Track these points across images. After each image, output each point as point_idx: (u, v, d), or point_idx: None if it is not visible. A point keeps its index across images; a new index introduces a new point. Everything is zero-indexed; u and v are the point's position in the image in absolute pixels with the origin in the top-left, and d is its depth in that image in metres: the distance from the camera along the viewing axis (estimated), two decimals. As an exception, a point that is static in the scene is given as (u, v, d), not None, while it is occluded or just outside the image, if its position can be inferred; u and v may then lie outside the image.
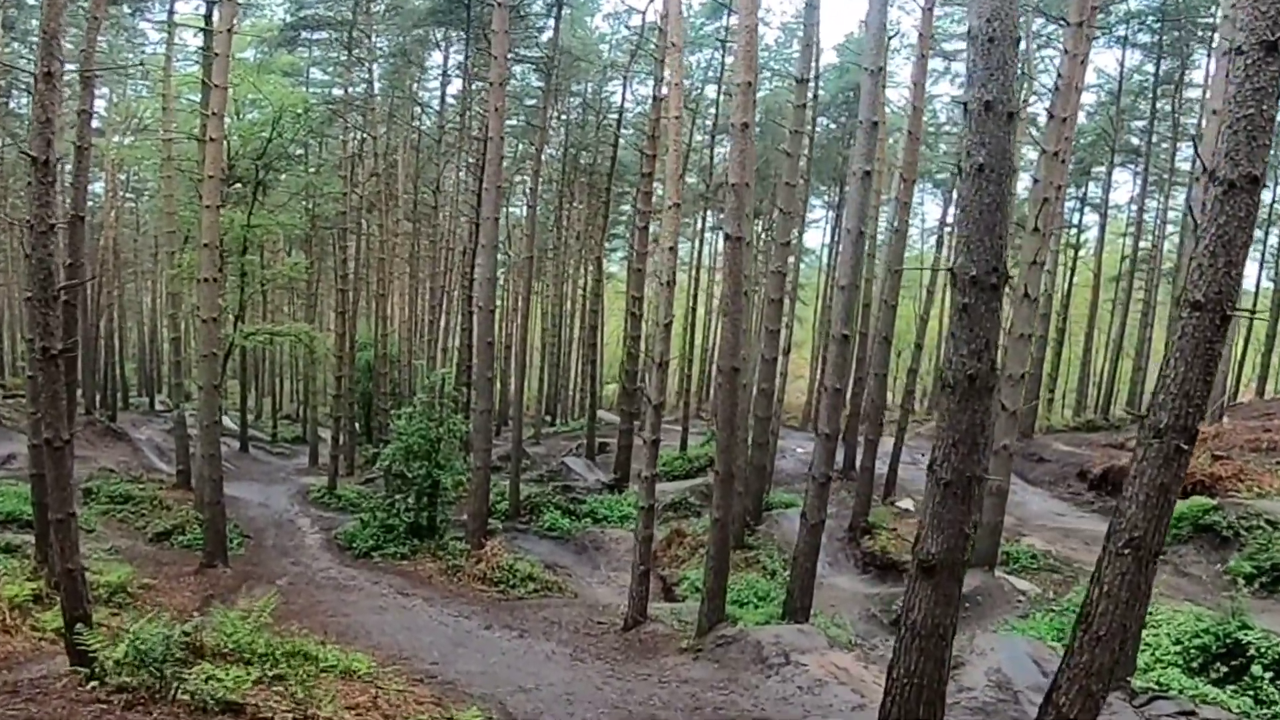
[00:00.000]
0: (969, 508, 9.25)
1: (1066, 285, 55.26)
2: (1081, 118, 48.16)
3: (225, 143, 32.53)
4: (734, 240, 16.52)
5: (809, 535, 18.55)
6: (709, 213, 67.25)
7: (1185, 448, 8.30)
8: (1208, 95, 35.99)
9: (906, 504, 31.09)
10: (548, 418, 62.28)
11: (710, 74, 56.77)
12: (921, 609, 9.31)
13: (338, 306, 45.91)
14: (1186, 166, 53.53)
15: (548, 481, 37.11)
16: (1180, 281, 57.02)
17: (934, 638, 9.28)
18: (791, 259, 39.15)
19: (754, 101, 16.49)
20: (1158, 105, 50.72)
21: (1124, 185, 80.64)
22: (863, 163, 17.52)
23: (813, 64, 29.52)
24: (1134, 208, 56.51)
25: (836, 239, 62.24)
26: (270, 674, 10.47)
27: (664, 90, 36.08)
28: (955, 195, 46.81)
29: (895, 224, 28.94)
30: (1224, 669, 14.87)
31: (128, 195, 68.04)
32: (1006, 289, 8.93)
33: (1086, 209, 61.45)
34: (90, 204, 51.29)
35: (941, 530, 9.21)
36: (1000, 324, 9.05)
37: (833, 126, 59.81)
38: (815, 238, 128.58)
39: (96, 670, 9.96)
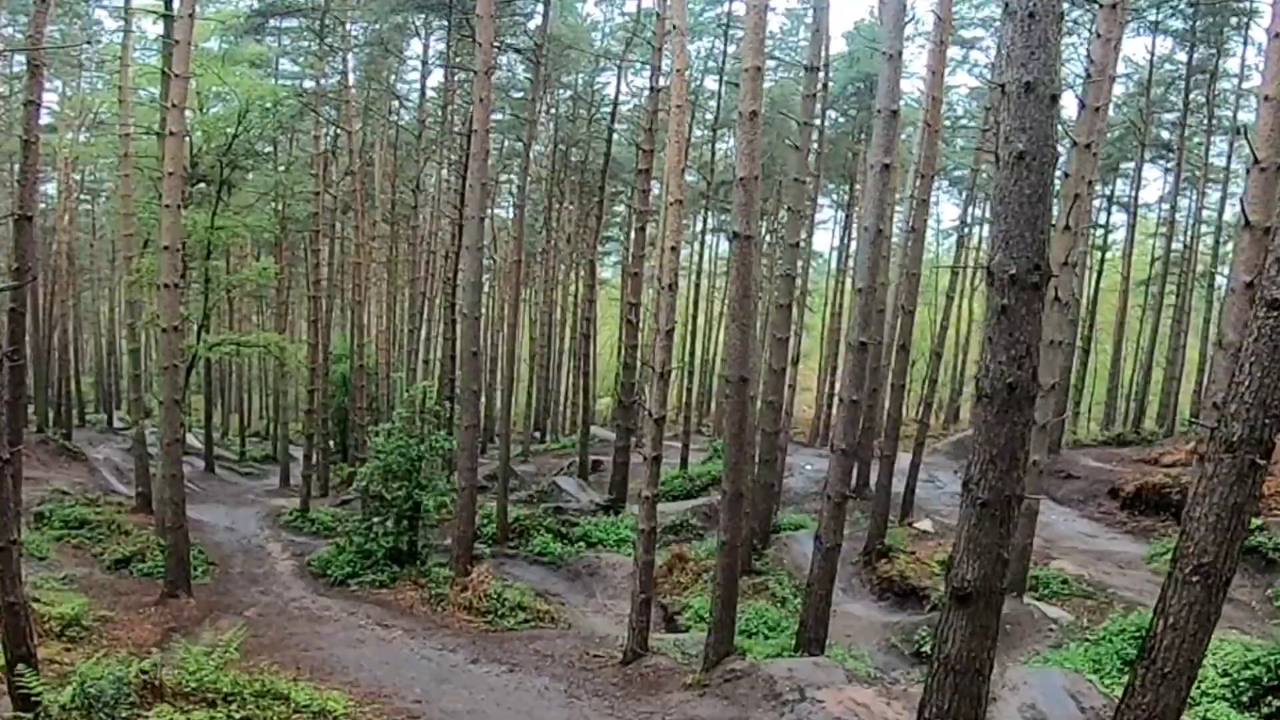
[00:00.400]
0: (1008, 530, 9.04)
1: (1093, 289, 55.18)
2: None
3: (187, 138, 32.44)
4: (743, 239, 16.30)
5: (824, 560, 18.33)
6: (710, 213, 67.16)
7: (1261, 463, 8.04)
8: (1256, 82, 35.85)
9: (925, 525, 30.96)
10: (537, 434, 62.07)
11: (710, 64, 56.71)
12: (956, 642, 9.10)
13: (310, 315, 45.71)
14: (1222, 162, 53.51)
15: (538, 503, 36.86)
16: (1206, 283, 57.07)
17: (969, 673, 9.07)
18: (801, 262, 38.96)
19: (762, 88, 16.28)
20: (1190, 96, 50.58)
21: (1154, 182, 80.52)
22: (882, 155, 17.30)
23: (823, 51, 29.32)
24: (1165, 206, 56.43)
25: (846, 240, 62.24)
26: (237, 716, 10.23)
27: (662, 81, 35.93)
28: (972, 193, 46.86)
29: (912, 223, 28.77)
30: (1276, 703, 14.67)
31: (83, 197, 68.03)
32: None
33: (1114, 207, 61.33)
34: (42, 206, 51.16)
35: (978, 555, 9.00)
36: (1041, 327, 8.83)
37: (841, 120, 59.71)
38: (823, 240, 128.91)
39: (40, 716, 9.67)
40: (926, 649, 20.75)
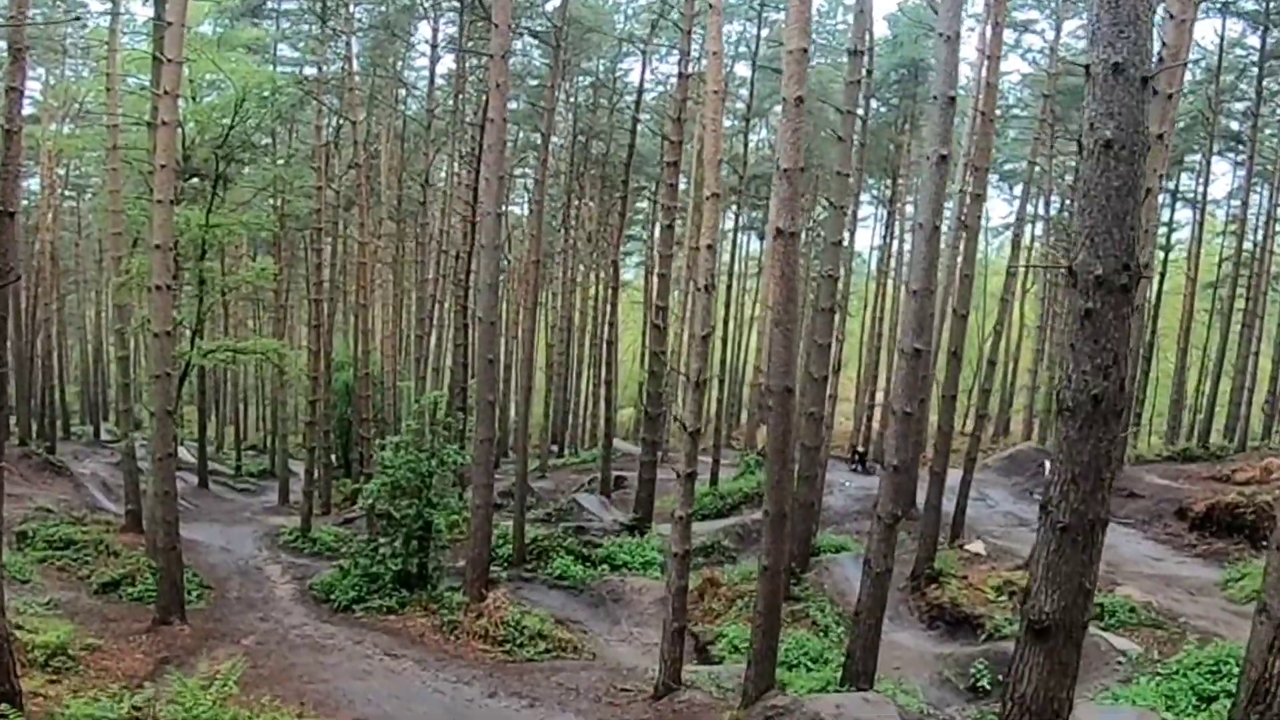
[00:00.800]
0: (1090, 557, 8.83)
1: (1155, 293, 54.73)
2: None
3: (180, 129, 32.37)
4: (786, 236, 16.06)
5: (873, 586, 18.09)
6: (743, 209, 66.97)
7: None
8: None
9: (977, 547, 30.76)
10: (554, 448, 61.98)
11: (742, 49, 56.55)
12: (1032, 679, 8.90)
13: (311, 320, 45.66)
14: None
15: (557, 522, 36.76)
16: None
17: (1047, 715, 8.85)
18: (843, 262, 38.74)
19: (807, 72, 16.08)
20: (1264, 84, 50.09)
21: (1222, 177, 79.74)
22: (938, 145, 17.08)
23: (867, 34, 29.13)
24: (1235, 203, 56.01)
25: (888, 239, 61.99)
26: (240, 758, 10.06)
27: (690, 66, 35.75)
28: (1028, 188, 46.56)
29: (965, 220, 28.52)
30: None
31: (68, 193, 68.23)
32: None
33: (1179, 204, 60.81)
34: (24, 203, 51.26)
35: (1058, 585, 8.80)
36: (1130, 333, 8.61)
37: (883, 109, 59.49)
38: (863, 238, 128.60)
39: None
40: (984, 683, 20.53)
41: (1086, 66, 8.36)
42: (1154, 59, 21.45)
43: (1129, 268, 8.18)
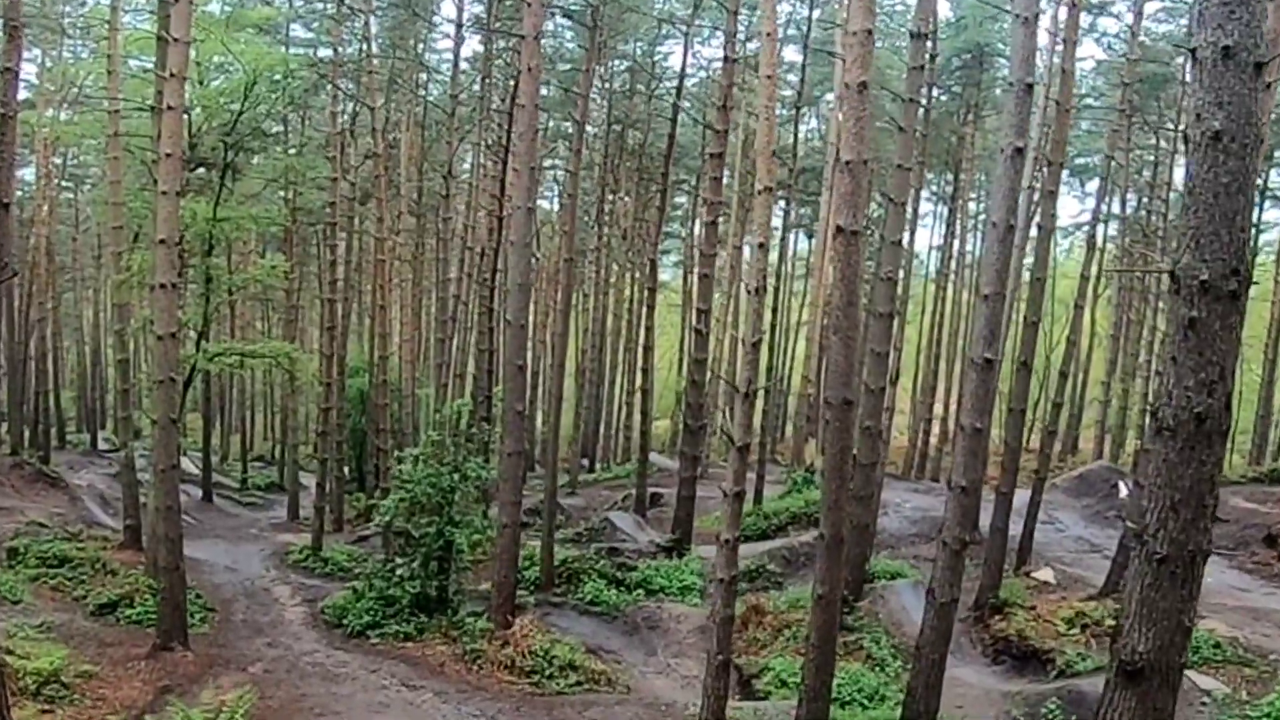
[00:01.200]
0: (1191, 592, 8.64)
1: (1242, 297, 54.13)
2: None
3: (186, 115, 32.42)
4: (848, 234, 15.90)
5: (937, 618, 17.89)
6: (792, 205, 66.66)
7: None
8: None
9: (1046, 575, 30.53)
10: (585, 461, 61.85)
11: (791, 31, 56.39)
12: (1123, 726, 8.67)
13: (324, 321, 45.70)
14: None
15: (588, 542, 36.58)
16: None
17: (1140, 766, 8.63)
18: (903, 263, 38.53)
19: (872, 56, 15.94)
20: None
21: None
22: (1013, 136, 16.89)
23: (932, 14, 28.96)
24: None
25: (949, 238, 61.63)
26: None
27: (736, 49, 35.60)
28: (1105, 185, 46.18)
29: (1038, 219, 28.27)
30: None
31: (64, 183, 68.48)
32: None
33: (1268, 202, 60.20)
34: (18, 194, 51.55)
35: (1153, 621, 8.60)
36: (1238, 345, 8.40)
37: (945, 98, 59.18)
38: (920, 238, 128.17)
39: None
40: (1056, 726, 20.29)
41: (1192, 50, 8.18)
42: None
43: (1238, 272, 7.99)
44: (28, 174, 60.36)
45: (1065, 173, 67.28)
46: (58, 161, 61.46)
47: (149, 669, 21.87)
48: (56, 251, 63.58)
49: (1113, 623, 24.43)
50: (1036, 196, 34.69)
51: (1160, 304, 52.43)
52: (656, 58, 61.27)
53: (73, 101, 55.70)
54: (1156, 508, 8.46)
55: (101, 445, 62.22)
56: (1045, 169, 28.14)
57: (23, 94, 41.80)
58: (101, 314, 73.94)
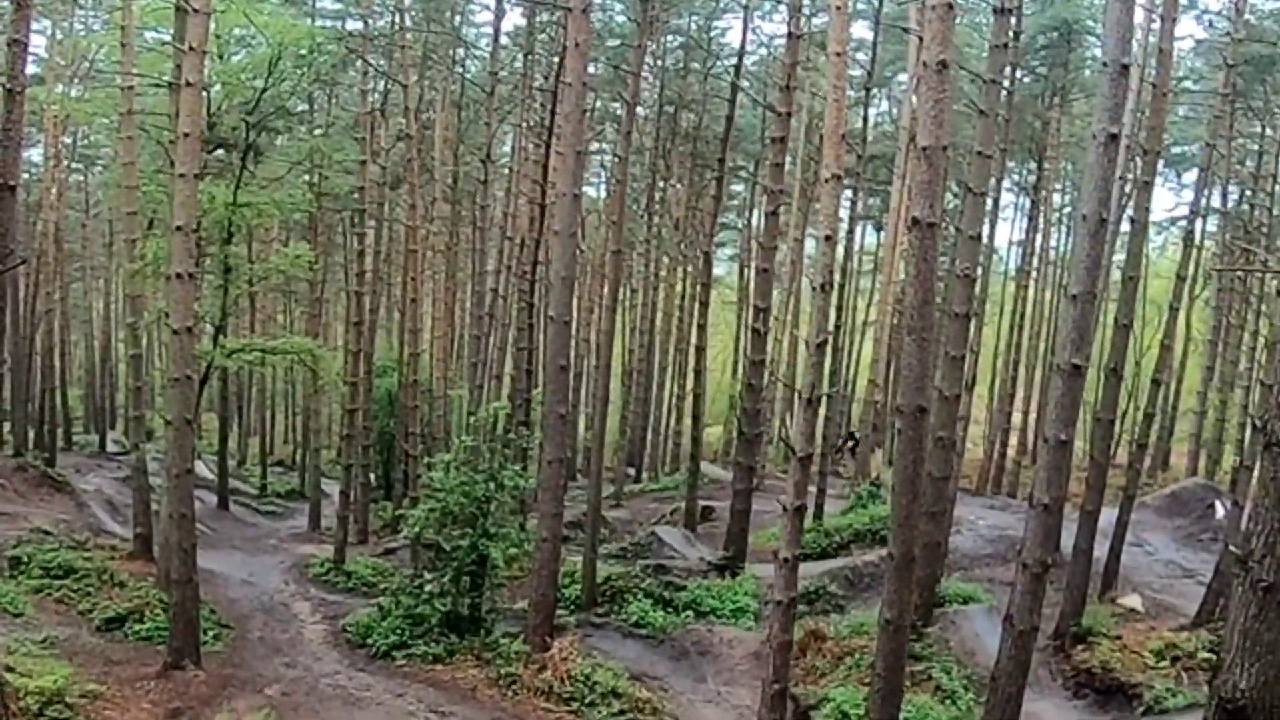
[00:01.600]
0: (1302, 623, 8.44)
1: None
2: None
3: (206, 91, 32.60)
4: (924, 227, 15.80)
5: (1015, 647, 17.71)
6: (859, 195, 66.37)
7: None
8: None
9: (1133, 601, 30.34)
10: (630, 470, 61.75)
11: (860, 6, 56.13)
12: (1224, 773, 8.51)
13: (351, 316, 45.84)
14: None
15: (633, 558, 36.52)
16: None
17: (1244, 816, 8.48)
18: (982, 259, 38.24)
19: (954, 32, 15.82)
20: None
21: None
22: (1107, 122, 16.63)
23: (1018, -13, 28.76)
24: None
25: (1031, 232, 61.19)
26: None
27: (801, 25, 35.46)
28: (1206, 175, 45.65)
29: (1132, 212, 28.02)
30: None
31: (74, 165, 68.93)
32: None
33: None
34: (25, 176, 51.96)
35: (1258, 656, 8.45)
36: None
37: (1028, 79, 58.76)
38: (1000, 232, 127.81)
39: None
40: (1143, 768, 20.14)
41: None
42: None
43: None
44: (35, 155, 60.71)
45: (1161, 162, 66.80)
46: (67, 141, 61.99)
47: (159, 689, 21.96)
48: (65, 238, 64.23)
49: (1207, 655, 24.24)
50: (1129, 188, 34.41)
51: (1265, 307, 51.92)
52: (713, 33, 61.15)
53: (84, 77, 56.12)
54: (1263, 530, 8.31)
55: (111, 447, 62.69)
56: (1139, 158, 27.86)
57: (31, 68, 42.09)
58: (113, 306, 74.43)
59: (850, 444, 51.48)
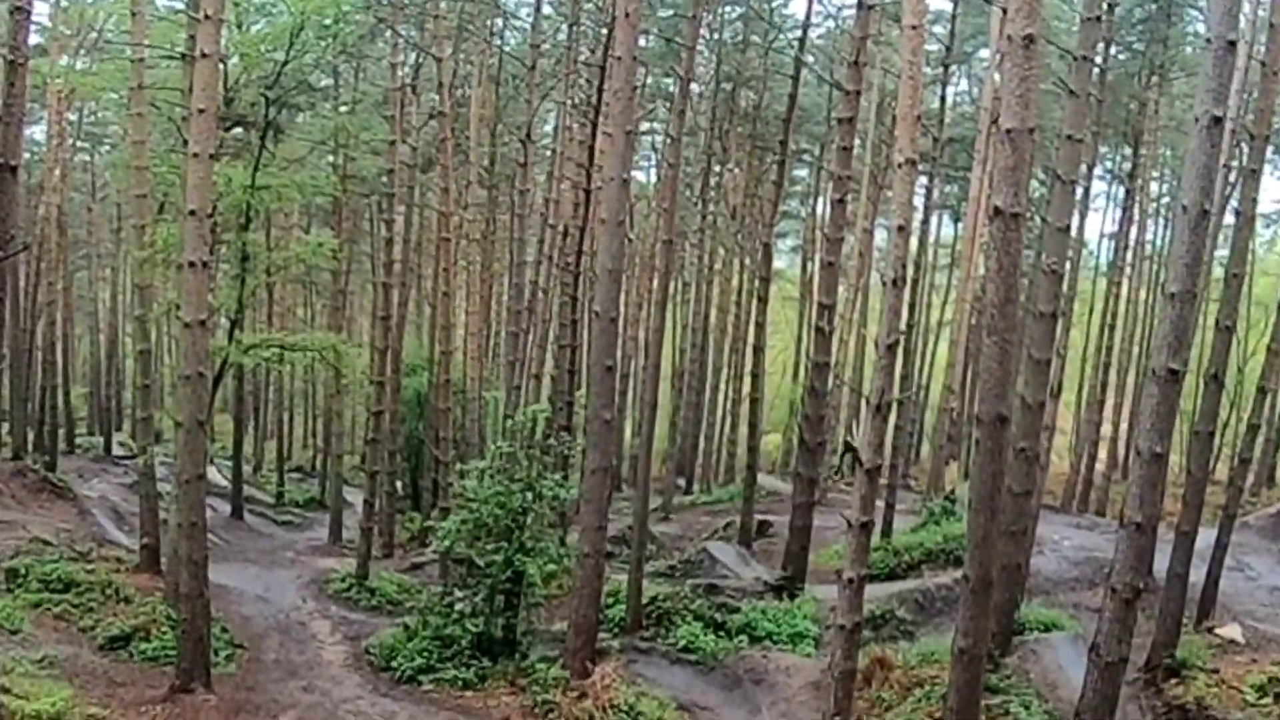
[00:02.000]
0: None
1: None
2: None
3: (223, 64, 32.74)
4: (1007, 217, 15.72)
5: (1101, 680, 17.70)
6: (936, 182, 66.21)
7: None
8: None
9: (1232, 632, 30.06)
10: (680, 481, 61.77)
11: (929, -24, 55.98)
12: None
13: (377, 310, 46.06)
14: None
15: (683, 577, 36.55)
16: None
17: None
18: (1071, 253, 38.01)
19: (1041, 2, 15.76)
20: None
21: None
22: (1211, 104, 16.52)
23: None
24: None
25: (1125, 225, 60.79)
26: None
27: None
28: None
29: (1235, 203, 27.78)
30: None
31: (80, 144, 69.29)
32: None
33: None
34: (26, 156, 52.29)
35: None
36: None
37: (1123, 57, 58.43)
38: (1090, 224, 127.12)
39: None
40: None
41: None
42: None
43: None
44: (38, 132, 61.13)
45: (1270, 149, 66.28)
46: (72, 118, 62.26)
47: (165, 714, 22.08)
48: (69, 223, 64.48)
49: (1316, 692, 24.09)
50: (1234, 176, 34.10)
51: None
52: (776, 3, 61.09)
53: (91, 48, 56.45)
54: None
55: (116, 450, 63.13)
56: (1246, 144, 27.61)
57: (33, 38, 42.40)
58: (120, 297, 75.02)
59: (850, 459, 51.29)
